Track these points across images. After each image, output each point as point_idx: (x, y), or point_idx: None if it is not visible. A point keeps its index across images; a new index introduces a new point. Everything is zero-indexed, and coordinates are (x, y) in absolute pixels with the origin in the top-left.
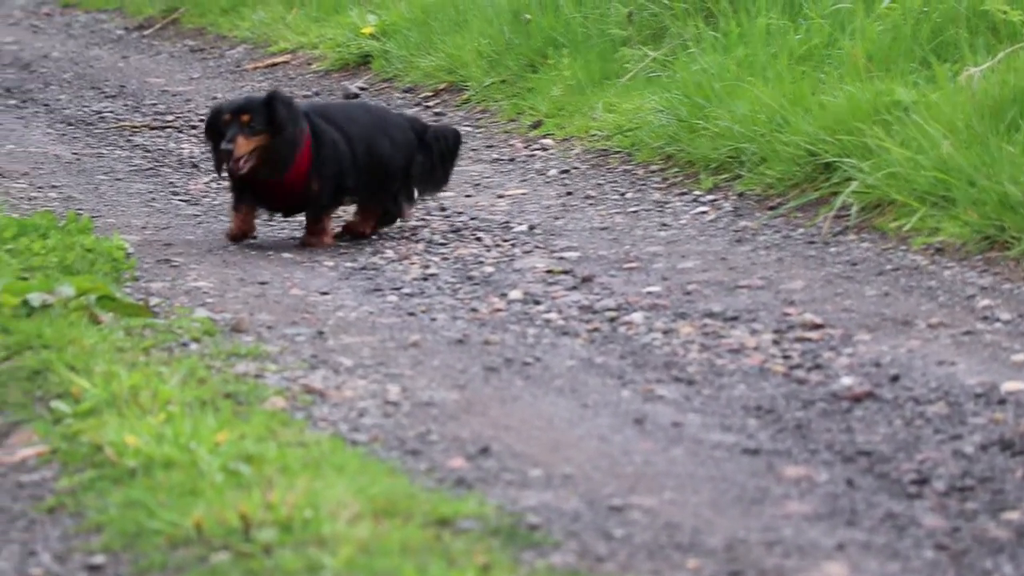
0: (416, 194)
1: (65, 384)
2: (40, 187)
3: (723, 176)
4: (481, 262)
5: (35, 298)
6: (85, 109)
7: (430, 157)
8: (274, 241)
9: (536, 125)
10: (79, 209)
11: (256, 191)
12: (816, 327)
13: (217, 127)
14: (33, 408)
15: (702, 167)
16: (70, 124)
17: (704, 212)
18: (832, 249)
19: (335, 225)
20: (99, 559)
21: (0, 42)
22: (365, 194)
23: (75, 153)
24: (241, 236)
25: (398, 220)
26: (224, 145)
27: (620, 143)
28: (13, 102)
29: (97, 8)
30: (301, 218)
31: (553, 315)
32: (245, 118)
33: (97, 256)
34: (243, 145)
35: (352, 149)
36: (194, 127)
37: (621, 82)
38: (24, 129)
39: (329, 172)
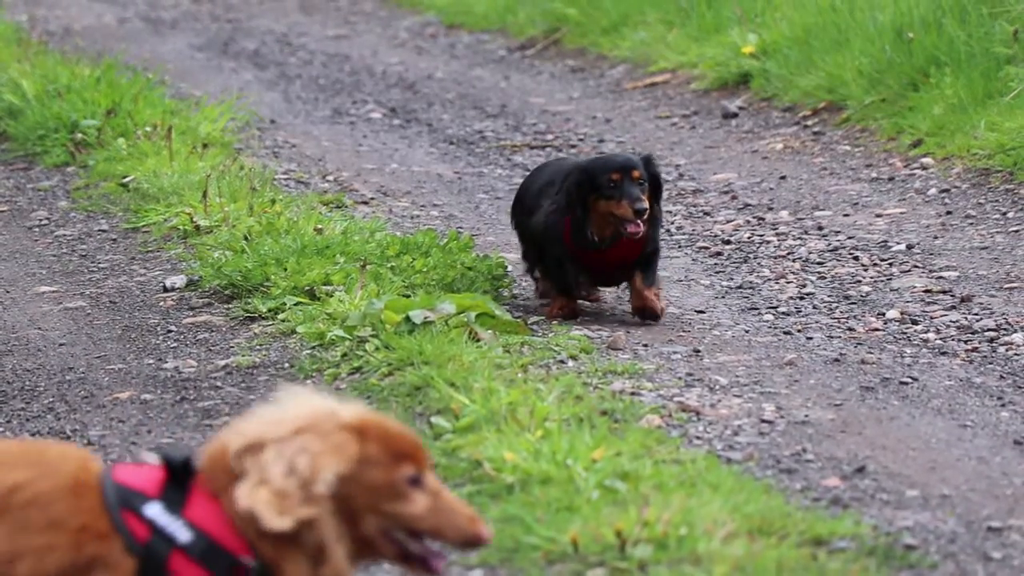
0: None
1: (445, 400)
2: (422, 205)
3: None
4: (858, 281)
5: (417, 315)
6: (467, 128)
7: None
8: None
9: (916, 144)
10: (460, 227)
11: (584, 263)
12: None
13: (597, 185)
14: (414, 423)
15: None
16: (452, 143)
17: None
18: None
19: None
20: (476, 573)
21: (386, 63)
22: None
23: (456, 172)
24: (573, 316)
25: None
26: (638, 205)
27: (1002, 162)
28: (397, 122)
29: (480, 29)
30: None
31: (931, 335)
32: (636, 175)
33: (477, 274)
34: (647, 202)
35: None
36: (573, 146)
37: (1004, 100)
38: (407, 148)
39: (658, 229)
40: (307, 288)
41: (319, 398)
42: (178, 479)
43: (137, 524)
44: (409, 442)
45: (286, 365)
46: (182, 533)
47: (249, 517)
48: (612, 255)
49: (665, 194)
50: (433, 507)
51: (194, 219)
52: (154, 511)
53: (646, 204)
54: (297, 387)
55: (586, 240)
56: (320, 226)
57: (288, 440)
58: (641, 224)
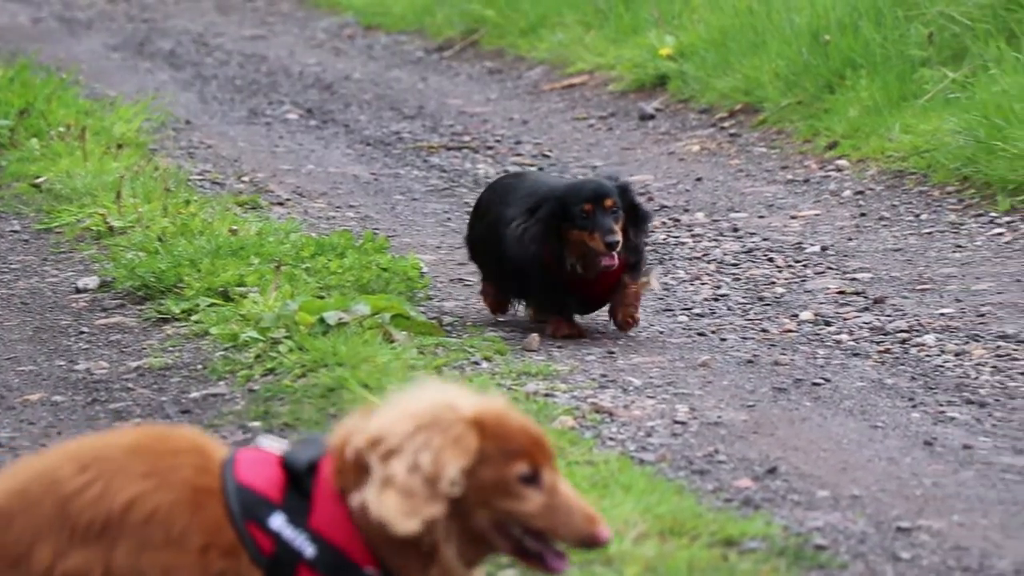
0: None
1: (359, 401)
2: (338, 207)
3: (1021, 198)
4: (772, 282)
5: (331, 316)
6: (384, 130)
7: None
8: None
9: (831, 146)
10: (376, 228)
11: (571, 290)
12: None
13: (569, 215)
14: (327, 425)
15: (999, 188)
16: (368, 144)
17: (1000, 234)
18: None
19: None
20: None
21: (303, 63)
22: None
23: (373, 173)
24: (580, 336)
25: None
26: (609, 238)
27: (916, 164)
28: (314, 123)
29: (398, 29)
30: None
31: (844, 336)
32: (609, 204)
33: (392, 275)
34: (620, 234)
35: None
36: (490, 148)
37: (919, 103)
38: (324, 149)
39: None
40: (221, 289)
41: (442, 389)
42: (300, 482)
43: (262, 536)
44: (526, 437)
45: (199, 367)
46: (307, 548)
47: (376, 522)
48: (595, 285)
49: None
50: (548, 506)
51: (107, 220)
52: (278, 523)
53: (618, 236)
54: (428, 379)
55: (569, 269)
56: (235, 227)
57: (411, 435)
58: (615, 257)
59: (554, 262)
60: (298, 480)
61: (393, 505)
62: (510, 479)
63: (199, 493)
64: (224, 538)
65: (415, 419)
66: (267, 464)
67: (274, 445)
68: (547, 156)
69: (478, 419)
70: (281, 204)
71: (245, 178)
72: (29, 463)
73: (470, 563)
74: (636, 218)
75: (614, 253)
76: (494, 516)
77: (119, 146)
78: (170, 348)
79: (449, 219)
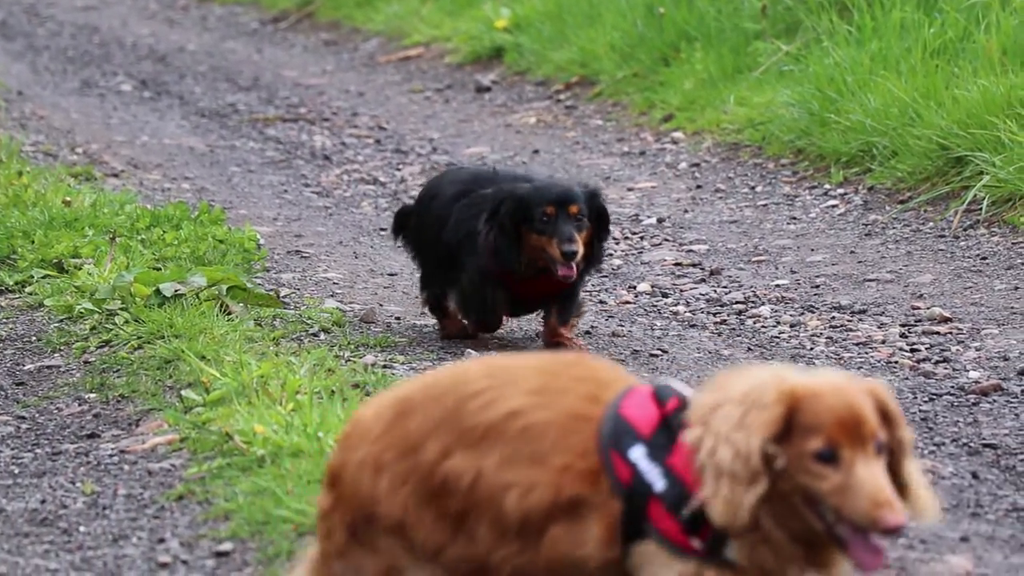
0: None
1: (195, 373)
2: (174, 178)
3: (853, 170)
4: (610, 254)
5: (167, 288)
6: (219, 101)
7: None
8: None
9: (667, 119)
10: (212, 200)
11: (509, 288)
12: (944, 321)
13: (529, 217)
14: (164, 396)
15: (833, 161)
16: (204, 116)
17: (834, 206)
18: (962, 243)
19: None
20: (227, 546)
21: (136, 34)
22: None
23: (208, 145)
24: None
25: None
26: (567, 247)
27: (751, 137)
28: (148, 94)
29: (233, 1)
30: None
31: (681, 307)
32: (574, 210)
33: (229, 247)
34: (580, 244)
35: None
36: (326, 120)
37: (753, 76)
38: (159, 121)
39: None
40: (55, 261)
41: (768, 367)
42: (671, 422)
43: (621, 465)
44: (831, 415)
45: (34, 339)
46: (658, 481)
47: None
48: (536, 286)
49: (419, 166)
50: (841, 485)
51: None
52: (637, 454)
53: (578, 247)
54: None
55: (510, 265)
56: (68, 198)
57: (720, 411)
58: (573, 268)
59: (495, 254)
60: (669, 419)
61: (719, 503)
62: (805, 454)
63: (576, 418)
64: (585, 463)
65: (731, 394)
66: (651, 404)
67: (678, 386)
68: (383, 128)
69: (792, 393)
70: (116, 176)
71: (79, 150)
72: (454, 365)
73: (795, 539)
74: (602, 228)
75: (572, 264)
76: (799, 492)
77: None
78: (4, 320)
79: (286, 191)
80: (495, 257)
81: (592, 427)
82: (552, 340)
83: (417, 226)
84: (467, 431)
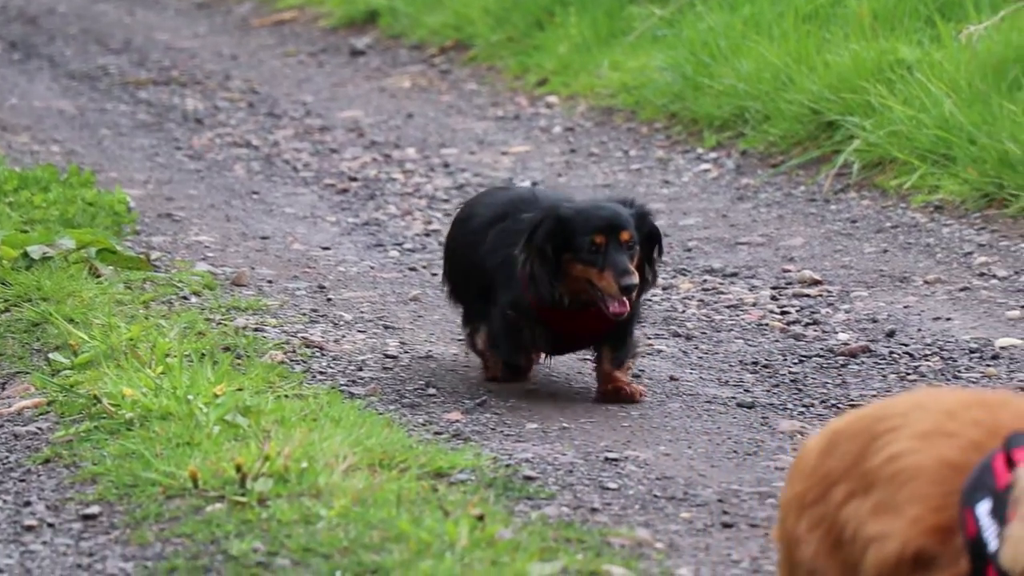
0: None
1: (63, 336)
2: (42, 141)
3: (726, 134)
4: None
5: (35, 250)
6: (90, 64)
7: None
8: (276, 197)
9: (541, 83)
10: (81, 163)
11: (549, 324)
12: (814, 283)
13: (572, 245)
14: (31, 360)
15: (705, 125)
16: (74, 79)
17: (707, 170)
18: (833, 207)
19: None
20: (94, 509)
21: None
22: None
23: (78, 107)
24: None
25: None
26: (625, 280)
27: (625, 101)
28: (17, 56)
29: None
30: None
31: None
32: (626, 237)
33: (98, 210)
34: (636, 276)
35: None
36: (199, 83)
37: (627, 40)
38: (28, 84)
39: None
40: None
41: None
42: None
43: (971, 521)
44: None
45: None
46: (994, 541)
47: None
48: (582, 321)
49: (292, 130)
50: None
51: None
52: (983, 509)
53: (635, 279)
54: None
55: (548, 297)
56: None
57: None
58: (627, 304)
59: (531, 284)
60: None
61: (1010, 544)
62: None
63: (948, 466)
64: (937, 516)
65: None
66: None
67: None
68: (256, 92)
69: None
70: None
71: None
72: (891, 396)
73: None
74: (654, 251)
75: (626, 299)
76: None
77: None
78: None
79: (157, 154)
80: (532, 288)
81: (961, 478)
82: (606, 388)
83: (450, 254)
84: (864, 474)
